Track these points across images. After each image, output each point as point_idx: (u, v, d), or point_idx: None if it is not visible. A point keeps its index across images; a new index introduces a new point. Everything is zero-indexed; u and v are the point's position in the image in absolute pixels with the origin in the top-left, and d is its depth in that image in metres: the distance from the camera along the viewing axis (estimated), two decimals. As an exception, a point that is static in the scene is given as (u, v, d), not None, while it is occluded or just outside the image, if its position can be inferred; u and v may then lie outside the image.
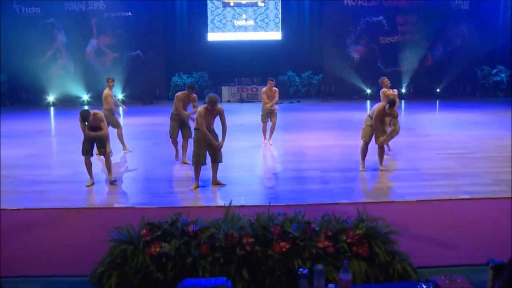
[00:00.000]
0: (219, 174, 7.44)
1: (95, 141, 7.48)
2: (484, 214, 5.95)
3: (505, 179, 7.45)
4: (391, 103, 7.66)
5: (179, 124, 8.94)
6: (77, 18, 21.18)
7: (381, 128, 7.94)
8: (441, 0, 21.94)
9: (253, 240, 3.76)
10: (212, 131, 7.10)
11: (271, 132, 10.67)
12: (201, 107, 7.03)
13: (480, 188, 7.05)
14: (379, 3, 22.05)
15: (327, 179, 7.74)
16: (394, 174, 8.06)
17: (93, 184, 7.49)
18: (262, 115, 10.65)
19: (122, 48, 21.59)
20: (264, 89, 10.63)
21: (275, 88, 10.65)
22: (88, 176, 7.53)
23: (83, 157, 7.47)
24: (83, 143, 7.49)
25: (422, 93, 21.69)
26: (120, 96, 20.84)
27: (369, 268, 3.70)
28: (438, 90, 21.81)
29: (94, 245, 4.23)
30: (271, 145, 10.56)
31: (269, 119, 10.60)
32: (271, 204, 4.32)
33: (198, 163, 7.12)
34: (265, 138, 10.75)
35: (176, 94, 8.97)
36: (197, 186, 7.18)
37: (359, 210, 4.09)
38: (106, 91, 10.07)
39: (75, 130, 13.40)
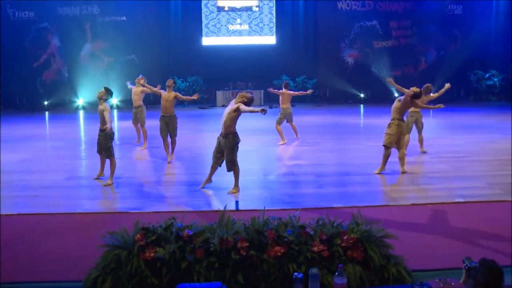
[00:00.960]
0: (215, 178, 7.43)
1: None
2: (479, 218, 5.97)
3: (499, 182, 7.48)
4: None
5: (166, 124, 9.31)
6: (71, 23, 21.08)
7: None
8: (434, 5, 22.07)
9: (248, 244, 3.75)
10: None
11: (295, 132, 11.73)
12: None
13: (474, 192, 7.08)
14: (373, 8, 22.14)
15: (321, 183, 7.75)
16: (388, 177, 8.07)
17: (99, 177, 7.92)
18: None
19: (117, 52, 21.52)
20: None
21: (284, 90, 11.49)
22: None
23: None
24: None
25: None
26: (115, 100, 20.82)
27: (364, 272, 3.70)
28: (431, 94, 21.87)
29: (88, 250, 4.21)
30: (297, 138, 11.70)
31: (285, 121, 11.37)
32: (265, 209, 4.32)
33: (212, 161, 7.28)
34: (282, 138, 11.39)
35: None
36: (206, 183, 7.36)
37: (353, 214, 4.09)
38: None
39: (70, 135, 13.39)
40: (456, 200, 6.71)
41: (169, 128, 9.28)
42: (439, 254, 4.78)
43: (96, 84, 21.08)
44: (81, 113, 19.85)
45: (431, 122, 15.98)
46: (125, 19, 21.39)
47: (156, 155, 10.05)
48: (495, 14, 22.41)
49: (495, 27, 22.32)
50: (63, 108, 20.64)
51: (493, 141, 11.24)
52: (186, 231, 3.88)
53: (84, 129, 15.66)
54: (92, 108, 20.43)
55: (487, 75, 22.20)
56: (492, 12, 22.41)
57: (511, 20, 21.11)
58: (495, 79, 22.04)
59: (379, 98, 21.74)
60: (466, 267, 3.07)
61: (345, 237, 3.79)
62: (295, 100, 21.95)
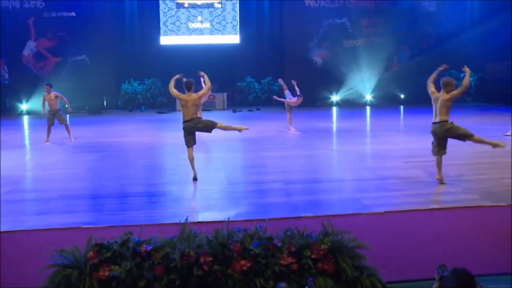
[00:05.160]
0: (174, 187, 7.38)
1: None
2: (454, 224, 6.14)
3: (475, 187, 7.72)
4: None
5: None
6: (11, 18, 20.47)
7: None
8: (407, 2, 22.62)
9: (211, 259, 3.76)
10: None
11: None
12: None
13: (450, 197, 7.28)
14: (342, 5, 22.50)
15: (289, 192, 7.81)
16: (360, 184, 8.21)
17: None
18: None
19: (65, 52, 21.08)
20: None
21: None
22: None
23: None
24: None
25: (388, 98, 22.22)
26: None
27: (335, 285, 3.75)
28: (404, 95, 22.33)
29: (34, 271, 4.11)
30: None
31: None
32: (230, 220, 4.32)
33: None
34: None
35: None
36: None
37: (323, 223, 4.14)
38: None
39: (11, 143, 13.03)
40: (431, 206, 6.88)
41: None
42: (415, 264, 4.88)
43: (41, 87, 20.56)
44: (25, 119, 19.34)
45: (403, 125, 16.36)
46: (74, 15, 21.02)
47: (109, 165, 9.91)
48: (469, 11, 23.10)
49: (470, 24, 22.97)
50: (3, 114, 20.05)
51: (469, 144, 11.53)
52: (144, 246, 3.86)
53: (28, 137, 15.27)
54: (37, 113, 19.95)
55: (462, 74, 22.84)
56: (466, 8, 23.10)
57: (486, 17, 21.78)
58: (470, 79, 22.65)
59: (350, 100, 22.11)
60: (439, 276, 3.19)
61: (315, 249, 3.84)
62: (260, 104, 22.24)
